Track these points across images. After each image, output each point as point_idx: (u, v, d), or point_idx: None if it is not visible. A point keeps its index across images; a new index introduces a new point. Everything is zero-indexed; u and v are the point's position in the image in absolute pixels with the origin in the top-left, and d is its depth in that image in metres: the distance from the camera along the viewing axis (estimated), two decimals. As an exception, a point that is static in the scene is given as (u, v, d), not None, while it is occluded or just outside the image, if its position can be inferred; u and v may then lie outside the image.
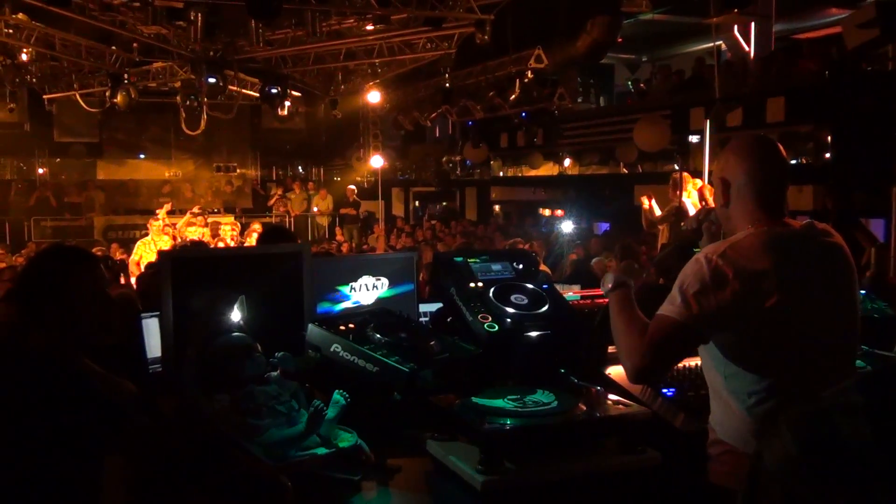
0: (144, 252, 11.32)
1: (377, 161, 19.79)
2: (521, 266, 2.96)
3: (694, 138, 13.47)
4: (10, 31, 12.56)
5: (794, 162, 11.90)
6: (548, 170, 19.77)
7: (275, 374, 2.45)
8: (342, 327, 2.63)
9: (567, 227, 13.96)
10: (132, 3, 11.50)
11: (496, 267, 2.91)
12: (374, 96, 17.63)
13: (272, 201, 21.10)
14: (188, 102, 14.66)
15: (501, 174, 22.11)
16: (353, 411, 2.36)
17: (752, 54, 14.22)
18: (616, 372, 2.86)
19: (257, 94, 15.48)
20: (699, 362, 2.42)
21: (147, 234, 12.32)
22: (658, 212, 9.47)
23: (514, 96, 15.09)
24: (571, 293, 3.66)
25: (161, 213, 12.91)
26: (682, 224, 8.27)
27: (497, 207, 22.17)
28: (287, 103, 15.16)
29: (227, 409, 2.30)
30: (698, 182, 9.57)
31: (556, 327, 2.63)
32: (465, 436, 2.29)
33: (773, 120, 11.73)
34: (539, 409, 2.28)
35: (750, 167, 2.29)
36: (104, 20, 12.44)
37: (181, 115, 15.70)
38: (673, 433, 2.53)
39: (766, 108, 11.88)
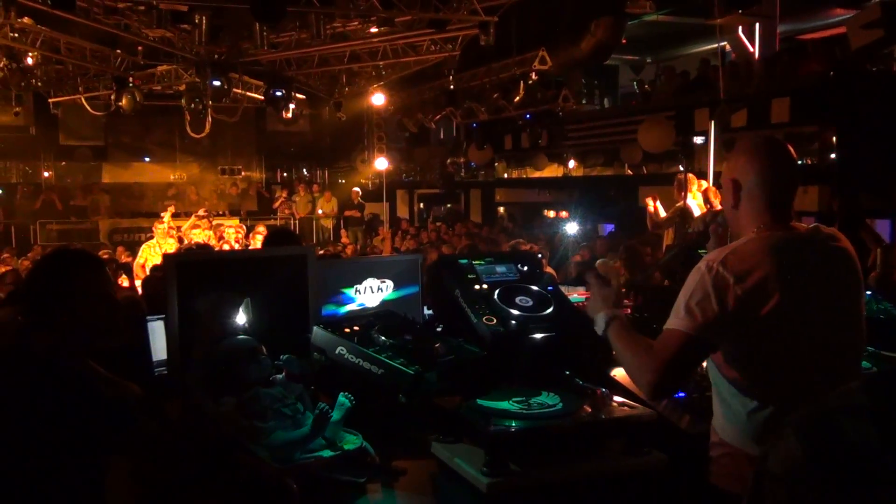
0: (149, 255, 11.34)
1: (382, 163, 19.80)
2: (525, 268, 2.96)
3: (699, 139, 13.46)
4: (16, 34, 12.58)
5: (799, 163, 11.87)
6: (552, 171, 19.76)
7: (280, 376, 2.46)
8: (347, 330, 2.63)
9: (572, 228, 13.95)
10: (137, 6, 11.55)
11: (501, 269, 2.91)
12: (378, 98, 17.63)
13: (277, 204, 21.11)
14: (193, 105, 14.67)
15: (506, 176, 22.11)
16: (358, 413, 2.36)
17: (756, 55, 14.20)
18: (621, 374, 2.85)
19: (262, 97, 15.48)
20: (704, 364, 2.42)
21: (152, 237, 12.33)
22: (663, 213, 9.46)
23: (518, 98, 15.09)
24: (576, 295, 3.66)
25: (166, 216, 12.93)
26: (688, 226, 8.27)
27: (502, 209, 22.16)
28: (291, 106, 15.16)
29: (233, 411, 2.31)
30: (703, 183, 9.57)
31: (560, 329, 2.63)
32: (469, 438, 2.29)
33: (778, 121, 11.70)
34: (544, 411, 2.28)
35: (761, 168, 2.27)
36: (109, 24, 12.46)
37: (186, 118, 15.73)
38: (678, 435, 2.52)
39: (771, 108, 11.86)
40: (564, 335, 2.64)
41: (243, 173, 23.26)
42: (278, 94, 14.57)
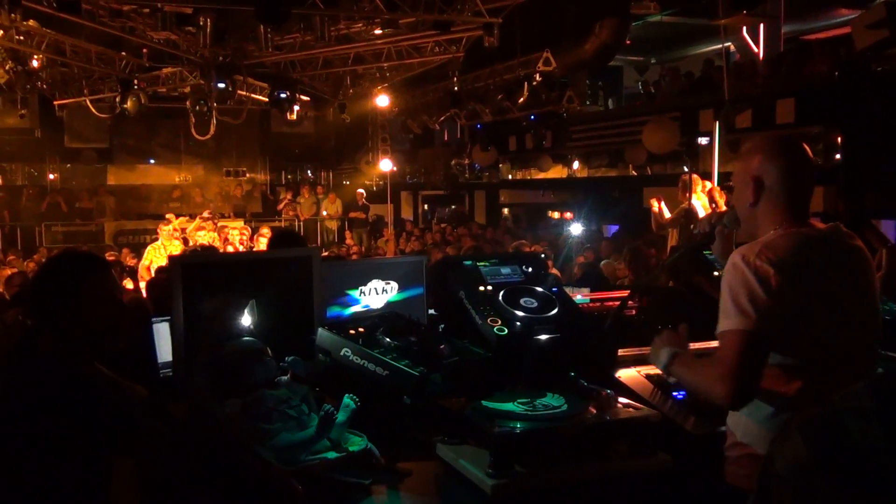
0: (155, 257, 11.35)
1: (386, 165, 19.81)
2: (530, 269, 2.95)
3: (703, 140, 13.45)
4: (21, 37, 12.64)
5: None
6: (556, 172, 19.76)
7: (285, 378, 2.46)
8: (352, 331, 2.63)
9: (576, 229, 13.95)
10: (142, 9, 11.58)
11: (505, 270, 2.90)
12: (382, 100, 17.65)
13: (281, 205, 21.14)
14: (198, 107, 14.70)
15: (510, 177, 22.11)
16: (363, 415, 2.36)
17: (761, 55, 14.18)
18: (626, 375, 2.85)
19: (266, 99, 15.50)
20: None
21: (157, 239, 12.35)
22: (667, 214, 9.45)
23: (522, 99, 15.08)
24: (581, 296, 3.65)
25: (175, 222, 12.96)
26: (693, 227, 8.26)
27: (506, 210, 22.17)
28: (296, 108, 15.20)
29: (238, 413, 2.31)
30: (707, 184, 9.55)
31: (565, 330, 2.63)
32: (474, 439, 2.29)
33: (783, 121, 11.69)
34: (549, 413, 2.28)
35: (784, 167, 2.27)
36: (114, 26, 12.50)
37: (191, 120, 15.75)
38: (683, 436, 2.52)
39: (776, 109, 11.85)
40: (569, 336, 2.64)
41: (248, 175, 23.30)
42: (283, 95, 14.60)
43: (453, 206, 23.69)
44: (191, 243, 12.59)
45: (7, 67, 13.31)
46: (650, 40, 18.84)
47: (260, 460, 2.16)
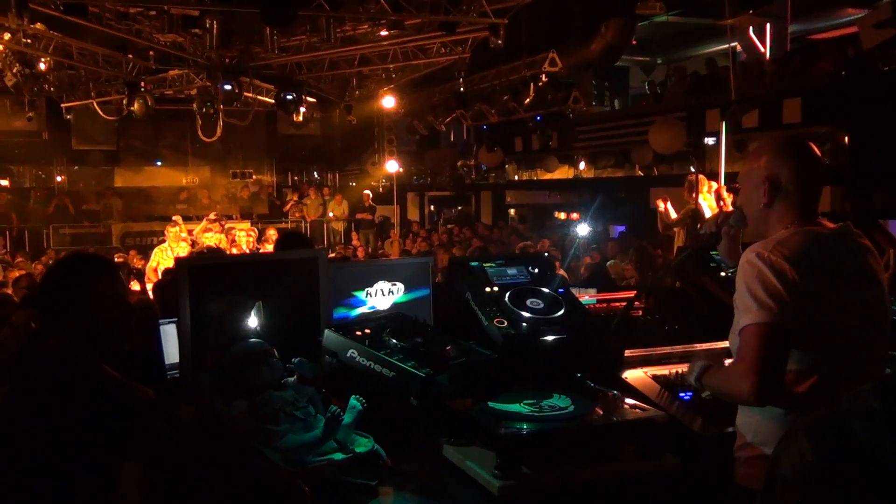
0: (162, 258, 11.39)
1: (392, 166, 19.83)
2: (536, 270, 2.95)
3: (710, 140, 13.43)
4: (29, 40, 12.67)
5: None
6: (563, 173, 19.75)
7: (292, 379, 2.46)
8: (358, 332, 2.63)
9: (582, 230, 13.93)
10: (148, 11, 11.62)
11: (512, 271, 2.90)
12: (388, 101, 17.67)
13: (288, 207, 21.15)
14: (204, 109, 14.74)
15: (516, 178, 22.11)
16: (370, 416, 2.36)
17: (767, 55, 14.15)
18: (633, 376, 2.85)
19: (273, 101, 15.53)
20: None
21: (164, 241, 12.38)
22: (674, 214, 9.44)
23: (528, 100, 15.08)
24: (587, 297, 3.65)
25: (182, 225, 13.00)
26: (700, 227, 8.24)
27: (512, 211, 22.16)
28: (302, 109, 15.21)
29: (245, 414, 2.31)
30: (713, 184, 9.54)
31: (571, 331, 2.63)
32: (481, 440, 2.29)
33: (790, 121, 11.67)
34: (555, 414, 2.28)
35: (798, 167, 2.28)
36: (121, 29, 12.55)
37: (197, 122, 15.80)
38: (691, 437, 2.51)
39: (783, 109, 11.83)
40: (575, 337, 2.64)
41: (254, 177, 23.32)
42: (289, 97, 14.61)
43: (459, 207, 23.71)
44: (197, 245, 12.64)
45: (15, 70, 13.35)
46: (656, 40, 18.83)
47: (266, 461, 2.16)
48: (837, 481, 1.01)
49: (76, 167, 22.07)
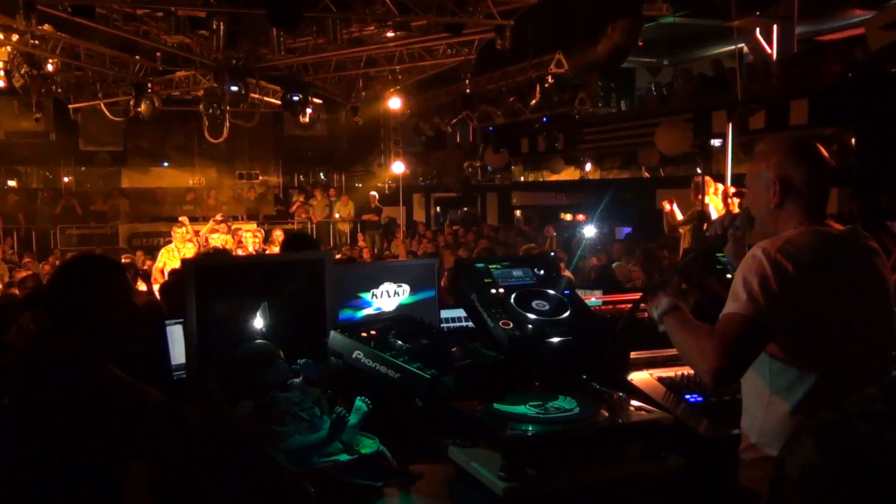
0: (168, 259, 11.40)
1: (398, 167, 19.84)
2: (542, 272, 2.95)
3: (716, 142, 13.40)
4: (37, 42, 12.73)
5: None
6: (569, 174, 19.75)
7: (297, 380, 2.47)
8: (364, 334, 2.63)
9: (588, 231, 13.92)
10: (156, 12, 11.65)
11: (517, 273, 2.90)
12: (394, 102, 17.68)
13: (294, 208, 21.18)
14: (211, 111, 14.77)
15: (522, 179, 22.10)
16: (375, 418, 2.37)
17: (774, 56, 14.12)
18: (638, 378, 2.85)
19: (279, 102, 15.56)
20: None
21: (171, 242, 12.41)
22: (680, 215, 9.44)
23: (534, 101, 15.08)
24: (593, 298, 3.64)
25: (190, 227, 13.03)
26: (706, 229, 8.23)
27: (518, 212, 22.15)
28: (308, 110, 15.23)
29: (251, 415, 2.32)
30: (720, 186, 9.53)
31: (577, 333, 2.62)
32: (486, 442, 2.29)
33: (797, 122, 11.65)
34: (561, 416, 2.27)
35: (809, 168, 2.29)
36: (128, 30, 12.59)
37: (204, 123, 15.83)
38: (696, 439, 2.51)
39: (790, 110, 11.80)
40: (581, 339, 2.63)
41: (261, 178, 23.38)
42: (295, 98, 14.64)
43: (465, 209, 23.70)
44: (203, 246, 12.65)
45: (22, 71, 13.41)
46: (663, 41, 18.79)
47: (272, 462, 2.16)
48: (843, 484, 1.00)
49: (83, 168, 22.16)
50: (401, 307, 3.19)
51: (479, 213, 23.06)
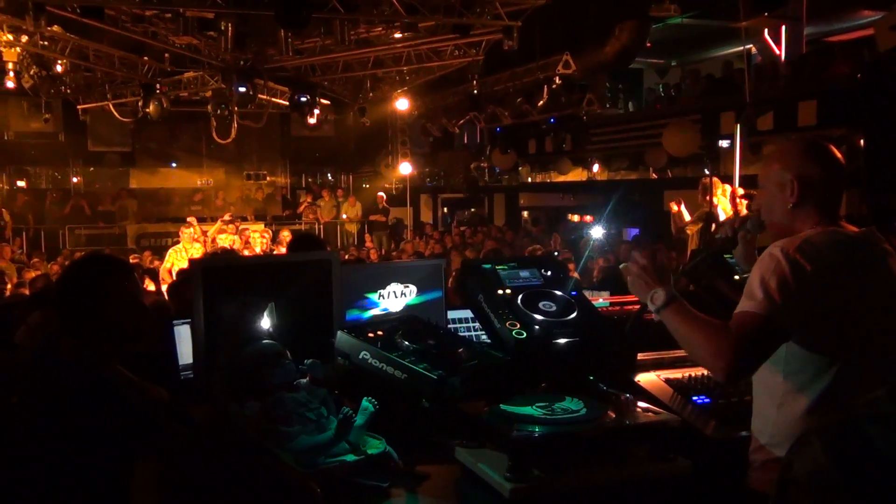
0: (176, 259, 11.44)
1: (406, 168, 19.85)
2: (549, 273, 2.94)
3: (724, 143, 13.37)
4: (46, 43, 12.80)
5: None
6: (576, 175, 19.72)
7: (304, 381, 2.47)
8: (371, 334, 2.63)
9: (596, 232, 13.90)
10: (164, 14, 11.69)
11: (524, 274, 2.89)
12: (402, 103, 17.70)
13: (301, 208, 21.21)
14: (219, 111, 14.83)
15: (530, 180, 22.08)
16: (382, 418, 2.37)
17: (782, 57, 14.07)
18: (645, 379, 2.84)
19: (287, 103, 15.60)
20: None
21: (179, 242, 12.45)
22: (687, 217, 9.41)
23: (542, 102, 15.07)
24: (601, 300, 3.64)
25: (197, 228, 13.07)
26: (714, 231, 8.21)
27: (526, 213, 22.13)
28: (316, 111, 15.27)
29: (258, 415, 2.32)
30: (728, 187, 9.50)
31: (584, 334, 2.62)
32: (493, 443, 2.28)
33: (805, 124, 11.61)
34: (568, 417, 2.27)
35: (826, 167, 2.29)
36: (137, 31, 12.63)
37: (212, 123, 15.89)
38: (703, 441, 2.50)
39: (798, 111, 11.76)
40: (588, 340, 2.63)
41: (268, 178, 23.43)
42: (303, 99, 14.68)
43: (473, 210, 23.69)
44: (211, 246, 12.69)
45: (32, 72, 13.48)
46: (670, 42, 18.74)
47: (279, 463, 2.17)
48: (851, 485, 1.00)
49: (92, 168, 22.23)
50: (408, 308, 3.19)
51: (487, 213, 23.05)
